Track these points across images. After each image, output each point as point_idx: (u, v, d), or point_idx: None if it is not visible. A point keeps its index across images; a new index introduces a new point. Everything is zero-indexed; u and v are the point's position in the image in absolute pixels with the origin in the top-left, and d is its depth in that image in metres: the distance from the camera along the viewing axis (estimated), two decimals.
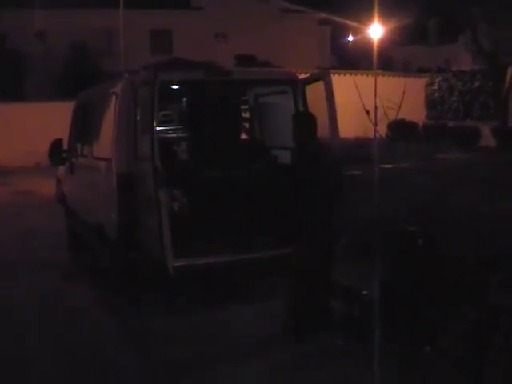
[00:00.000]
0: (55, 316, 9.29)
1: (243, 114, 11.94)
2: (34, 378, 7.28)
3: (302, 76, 10.87)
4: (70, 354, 7.86)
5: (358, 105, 17.17)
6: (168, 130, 11.47)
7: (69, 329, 8.76)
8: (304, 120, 8.36)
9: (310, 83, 9.92)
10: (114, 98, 9.96)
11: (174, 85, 10.29)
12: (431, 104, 36.20)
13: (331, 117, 9.00)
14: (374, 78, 14.71)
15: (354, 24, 43.11)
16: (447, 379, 6.59)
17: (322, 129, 8.58)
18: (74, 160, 12.62)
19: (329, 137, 9.02)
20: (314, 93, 9.52)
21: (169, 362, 7.48)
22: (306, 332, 7.86)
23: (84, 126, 12.02)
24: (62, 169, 13.85)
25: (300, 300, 8.01)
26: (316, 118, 8.25)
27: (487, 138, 28.21)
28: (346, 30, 51.17)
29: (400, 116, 28.30)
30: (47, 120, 28.31)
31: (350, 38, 52.26)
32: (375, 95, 13.85)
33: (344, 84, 25.12)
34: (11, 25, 37.42)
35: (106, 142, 10.06)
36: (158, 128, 8.83)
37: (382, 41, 27.58)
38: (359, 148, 15.35)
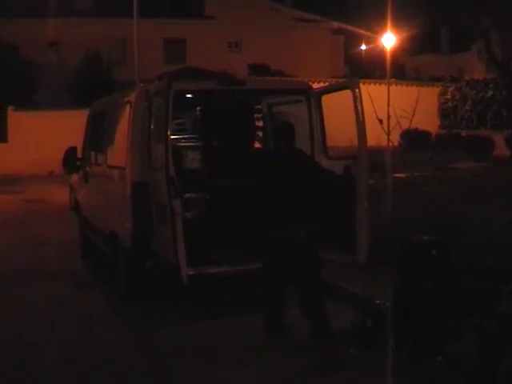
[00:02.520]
0: (65, 322, 9.33)
1: (257, 123, 11.95)
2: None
3: (315, 85, 10.89)
4: (74, 356, 7.94)
5: (371, 114, 17.18)
6: (182, 138, 11.50)
7: (78, 333, 8.84)
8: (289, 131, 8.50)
9: (336, 91, 9.92)
10: (128, 106, 10.00)
11: (187, 94, 10.32)
12: (444, 113, 36.13)
13: (359, 125, 8.98)
14: (387, 87, 14.74)
15: (367, 33, 43.18)
16: None
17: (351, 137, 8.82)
18: (87, 168, 12.66)
19: (357, 145, 9.05)
20: (341, 101, 9.50)
21: (171, 362, 7.59)
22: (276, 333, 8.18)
23: (98, 135, 12.06)
24: (75, 177, 13.89)
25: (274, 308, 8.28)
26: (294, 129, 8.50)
27: (501, 148, 28.11)
28: (359, 40, 51.20)
29: (413, 125, 28.21)
30: (60, 128, 28.43)
31: (363, 47, 52.26)
32: (388, 104, 13.85)
33: None
34: (24, 34, 37.57)
35: (120, 151, 10.10)
36: (171, 137, 8.86)
37: (394, 50, 27.58)
38: (372, 157, 15.32)
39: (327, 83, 18.13)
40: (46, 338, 8.61)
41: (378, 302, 7.93)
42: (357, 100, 8.99)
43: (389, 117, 13.60)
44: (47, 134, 30.09)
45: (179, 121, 11.59)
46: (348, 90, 9.20)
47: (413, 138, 29.05)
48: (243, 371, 7.23)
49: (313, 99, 10.11)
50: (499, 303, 6.71)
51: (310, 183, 8.15)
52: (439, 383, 6.72)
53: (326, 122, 10.12)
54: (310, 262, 8.12)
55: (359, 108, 8.98)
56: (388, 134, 13.70)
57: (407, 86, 34.41)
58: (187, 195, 9.46)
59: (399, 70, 48.85)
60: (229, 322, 8.88)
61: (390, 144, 13.74)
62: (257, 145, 11.98)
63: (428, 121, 31.79)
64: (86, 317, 9.51)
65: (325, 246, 8.43)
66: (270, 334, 8.25)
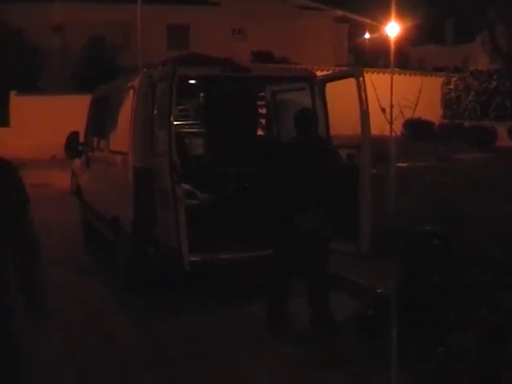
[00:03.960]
0: (66, 310, 9.31)
1: (260, 110, 11.93)
2: None
3: (318, 73, 10.87)
4: (74, 347, 7.92)
5: (374, 103, 17.12)
6: (185, 124, 11.48)
7: (79, 320, 8.81)
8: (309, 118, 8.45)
9: (340, 79, 9.90)
10: (131, 92, 9.97)
11: (191, 80, 10.29)
12: (447, 103, 36.08)
13: (363, 114, 8.95)
14: (390, 77, 14.67)
15: (371, 22, 43.10)
16: (462, 382, 6.57)
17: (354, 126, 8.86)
18: (90, 153, 12.64)
19: (359, 133, 9.03)
20: (344, 89, 9.47)
21: (172, 354, 7.60)
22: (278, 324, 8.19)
23: (101, 120, 12.03)
24: (77, 162, 13.86)
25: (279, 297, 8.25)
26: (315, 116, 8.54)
27: (503, 139, 28.08)
28: (362, 28, 51.08)
29: (416, 115, 28.16)
30: (63, 113, 28.39)
31: (367, 36, 52.14)
32: (391, 93, 13.78)
33: None
34: (28, 19, 37.48)
35: (122, 136, 10.07)
36: (174, 123, 8.83)
37: (398, 39, 27.49)
38: (375, 146, 15.25)
39: (330, 71, 18.10)
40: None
41: (379, 290, 7.92)
42: (361, 88, 8.96)
43: (392, 106, 13.54)
44: (49, 118, 30.05)
45: (182, 107, 11.57)
46: (351, 79, 9.16)
47: (416, 128, 29.07)
48: (246, 366, 7.19)
49: (316, 87, 10.08)
50: (504, 296, 6.70)
51: (329, 172, 8.09)
52: (443, 378, 6.71)
53: (328, 110, 10.10)
54: (318, 253, 8.10)
55: (363, 96, 8.94)
56: (391, 123, 13.65)
57: (411, 75, 34.31)
58: (189, 182, 9.48)
59: (403, 59, 48.74)
60: (232, 313, 8.82)
61: (393, 133, 13.71)
62: (260, 132, 11.97)
63: (431, 111, 31.75)
64: (87, 304, 9.50)
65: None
66: (273, 325, 8.22)
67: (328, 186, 7.99)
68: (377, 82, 13.22)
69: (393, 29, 19.01)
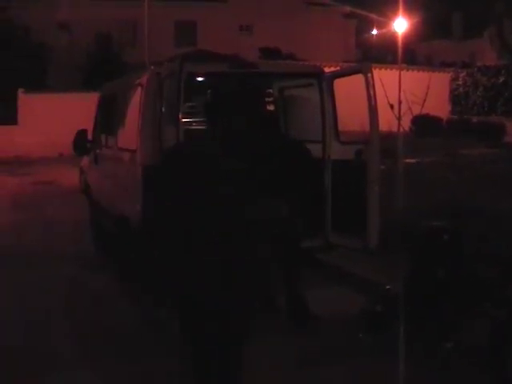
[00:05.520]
0: (75, 302, 9.34)
1: (268, 107, 11.91)
2: None
3: (326, 69, 10.85)
4: (88, 344, 7.93)
5: (382, 99, 17.11)
6: (193, 121, 11.47)
7: (87, 318, 8.86)
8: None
9: (348, 75, 9.89)
10: (139, 89, 9.96)
11: (199, 77, 10.28)
12: (455, 99, 36.03)
13: (371, 110, 8.95)
14: (398, 72, 14.72)
15: (379, 18, 43.06)
16: (467, 376, 6.57)
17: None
18: (98, 151, 12.64)
19: (367, 129, 9.04)
20: (351, 86, 9.46)
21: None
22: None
23: (109, 117, 12.03)
24: (85, 159, 13.87)
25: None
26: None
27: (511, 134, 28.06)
28: (370, 24, 51.05)
29: (424, 111, 28.18)
30: (70, 110, 28.45)
31: (375, 32, 52.10)
32: (399, 89, 13.80)
33: None
34: (35, 16, 37.54)
35: (131, 134, 10.06)
36: (183, 120, 8.83)
37: (406, 35, 27.45)
38: (383, 142, 15.21)
39: (338, 67, 18.10)
40: (54, 327, 8.62)
41: (388, 287, 7.93)
42: (369, 85, 8.96)
43: (400, 102, 13.56)
44: (57, 116, 30.12)
45: (190, 104, 11.57)
46: (359, 75, 9.16)
47: (424, 124, 29.05)
48: (245, 359, 7.18)
49: (325, 83, 10.06)
50: (508, 291, 6.70)
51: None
52: (448, 373, 6.71)
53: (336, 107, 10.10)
54: (286, 249, 8.25)
55: (371, 93, 8.94)
56: (399, 119, 13.67)
57: (418, 71, 34.31)
58: None
59: (410, 55, 48.70)
60: None
61: (401, 129, 13.72)
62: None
63: (439, 106, 31.73)
64: (94, 298, 9.60)
65: (335, 231, 8.41)
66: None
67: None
68: (385, 78, 13.25)
69: (401, 25, 19.02)
